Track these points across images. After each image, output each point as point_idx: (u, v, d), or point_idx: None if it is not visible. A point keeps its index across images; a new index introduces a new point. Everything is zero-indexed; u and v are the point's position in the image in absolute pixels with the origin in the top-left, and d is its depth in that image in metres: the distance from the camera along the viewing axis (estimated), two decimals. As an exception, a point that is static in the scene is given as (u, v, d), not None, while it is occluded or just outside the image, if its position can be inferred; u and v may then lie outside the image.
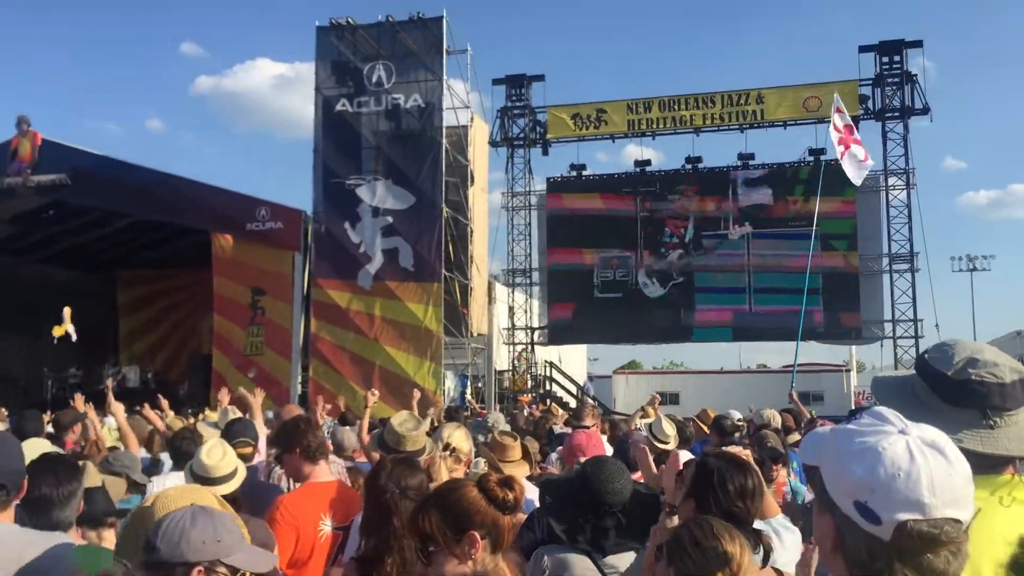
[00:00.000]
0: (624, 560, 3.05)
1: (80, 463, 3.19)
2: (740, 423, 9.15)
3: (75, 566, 2.60)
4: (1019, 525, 1.52)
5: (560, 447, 6.20)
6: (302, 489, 4.09)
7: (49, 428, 7.00)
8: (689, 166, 27.63)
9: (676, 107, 27.40)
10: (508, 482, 2.27)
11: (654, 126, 27.53)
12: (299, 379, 21.06)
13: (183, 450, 5.32)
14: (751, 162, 27.13)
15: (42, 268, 26.94)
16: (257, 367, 20.87)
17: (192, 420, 8.59)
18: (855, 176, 15.92)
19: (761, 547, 2.50)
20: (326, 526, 3.84)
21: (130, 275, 29.99)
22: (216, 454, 3.77)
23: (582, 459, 4.30)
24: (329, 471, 4.29)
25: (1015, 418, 1.64)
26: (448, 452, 3.85)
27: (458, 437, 3.96)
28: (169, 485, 5.13)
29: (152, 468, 5.62)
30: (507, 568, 2.22)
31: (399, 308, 20.95)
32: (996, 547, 1.43)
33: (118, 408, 5.69)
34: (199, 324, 26.93)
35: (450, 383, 22.68)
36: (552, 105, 28.31)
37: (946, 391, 1.66)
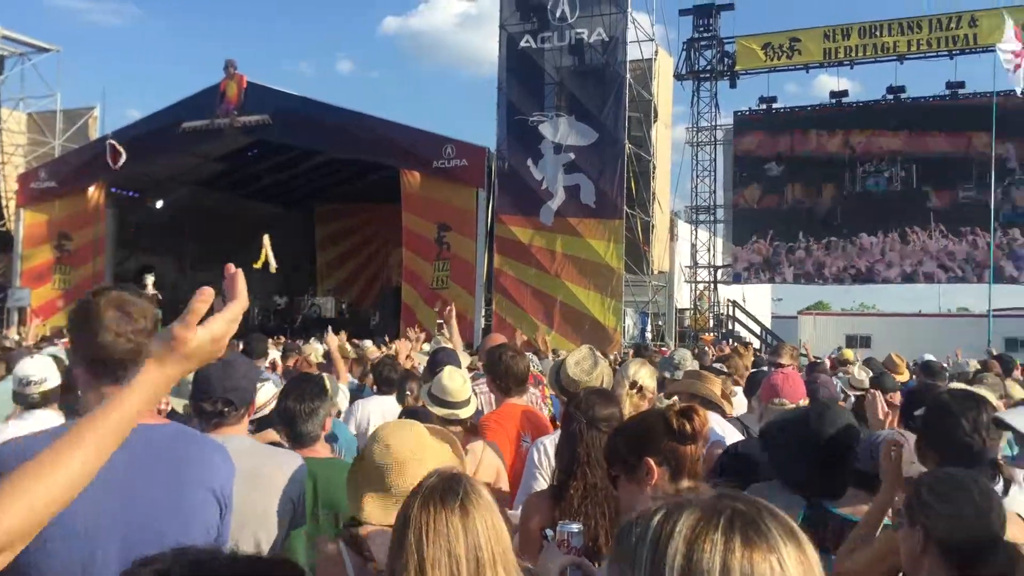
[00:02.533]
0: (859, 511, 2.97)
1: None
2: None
3: (306, 481, 2.83)
4: None
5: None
6: (502, 408, 4.34)
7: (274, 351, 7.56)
8: (891, 96, 25.94)
9: (878, 33, 25.67)
10: (688, 412, 2.29)
11: (852, 54, 25.92)
12: (483, 313, 21.60)
13: (385, 376, 5.65)
14: (961, 91, 25.16)
15: (248, 204, 28.86)
16: (443, 300, 21.58)
17: (385, 349, 9.05)
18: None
19: (1001, 479, 2.39)
20: (526, 441, 4.04)
21: (326, 210, 31.62)
22: (457, 379, 3.95)
23: (776, 400, 4.20)
24: (524, 398, 4.49)
25: None
26: (635, 390, 3.86)
27: (644, 374, 3.96)
28: (371, 408, 5.49)
29: (357, 392, 5.98)
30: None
31: (580, 244, 21.01)
32: None
33: (334, 342, 6.09)
34: (389, 258, 28.15)
35: (630, 320, 22.64)
36: (742, 35, 27.19)
37: None
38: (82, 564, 1.91)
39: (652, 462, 2.23)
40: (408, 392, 5.22)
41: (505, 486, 3.66)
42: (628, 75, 21.14)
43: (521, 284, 21.38)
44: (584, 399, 2.98)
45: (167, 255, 29.38)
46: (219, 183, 27.83)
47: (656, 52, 23.20)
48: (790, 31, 26.76)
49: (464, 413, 3.85)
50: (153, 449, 2.01)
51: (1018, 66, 15.63)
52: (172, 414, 3.99)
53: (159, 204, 26.60)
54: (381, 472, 2.33)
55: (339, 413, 5.27)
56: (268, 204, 29.40)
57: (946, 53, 25.12)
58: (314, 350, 8.36)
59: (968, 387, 3.34)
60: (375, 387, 5.82)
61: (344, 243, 31.58)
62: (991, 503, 2.08)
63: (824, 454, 2.97)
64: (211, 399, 2.82)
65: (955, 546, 2.04)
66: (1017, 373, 8.83)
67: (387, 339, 11.00)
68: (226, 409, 2.83)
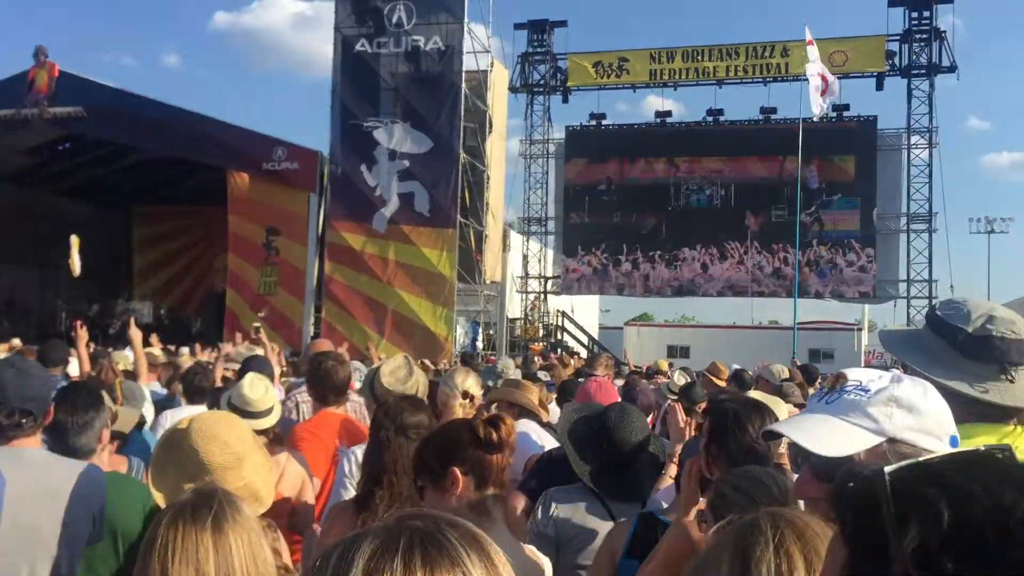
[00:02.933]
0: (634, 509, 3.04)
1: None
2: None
3: (106, 492, 2.63)
4: None
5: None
6: (318, 416, 4.28)
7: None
8: (710, 118, 27.32)
9: (699, 58, 27.00)
10: (494, 421, 2.28)
11: (676, 77, 27.16)
12: (311, 320, 21.14)
13: (196, 385, 5.36)
14: (773, 116, 26.82)
15: (58, 201, 26.99)
16: (269, 307, 20.96)
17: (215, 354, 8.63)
18: (816, 105, 17.32)
19: None
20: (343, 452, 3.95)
21: (146, 211, 30.02)
22: (259, 388, 3.78)
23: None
24: (345, 407, 4.40)
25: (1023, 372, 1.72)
26: (468, 399, 3.87)
27: (472, 383, 3.97)
28: (181, 418, 5.19)
29: (167, 402, 5.66)
30: (498, 505, 2.24)
31: (413, 253, 20.92)
32: None
33: (137, 336, 5.71)
34: (214, 262, 27.04)
35: (462, 329, 22.74)
36: (574, 52, 27.94)
37: (965, 346, 1.71)
38: None
39: (457, 471, 2.20)
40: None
41: (310, 499, 3.54)
42: (464, 85, 21.26)
43: (352, 291, 21.07)
44: (393, 406, 2.93)
45: (-36, 253, 27.12)
46: (27, 178, 25.91)
47: (492, 64, 23.45)
48: (620, 51, 27.75)
49: (264, 423, 3.69)
50: None
51: (823, 92, 16.90)
52: None
53: (-45, 198, 24.48)
54: (213, 468, 2.20)
55: (142, 424, 4.95)
56: (81, 202, 27.61)
57: (760, 80, 26.73)
58: (124, 358, 7.87)
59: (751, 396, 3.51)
60: (185, 396, 5.52)
61: (164, 246, 30.03)
62: (787, 498, 2.17)
63: (615, 454, 3.07)
64: (6, 410, 2.58)
65: None
66: (819, 382, 9.42)
67: (199, 346, 10.48)
68: (23, 420, 2.60)
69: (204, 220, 27.09)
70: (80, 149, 24.77)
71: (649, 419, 4.43)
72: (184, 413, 5.24)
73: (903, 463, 0.80)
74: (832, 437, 1.33)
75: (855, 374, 1.43)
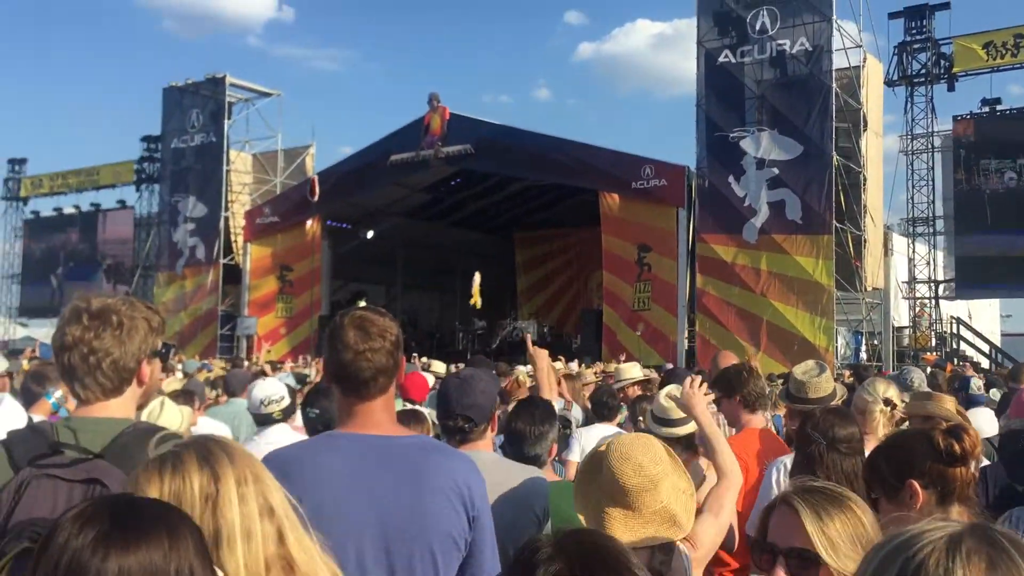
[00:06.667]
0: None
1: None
2: None
3: (549, 499, 2.85)
4: None
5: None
6: (744, 433, 4.30)
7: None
8: None
9: (1120, 22, 23.30)
10: (956, 431, 2.14)
11: (1089, 47, 23.65)
12: (685, 334, 21.25)
13: (605, 403, 5.70)
14: None
15: (451, 232, 29.89)
16: (645, 322, 21.43)
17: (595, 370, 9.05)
18: None
19: None
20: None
21: (526, 236, 32.21)
22: (671, 401, 3.92)
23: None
24: (764, 420, 4.43)
25: None
26: (889, 408, 3.69)
27: (893, 393, 3.78)
28: (593, 435, 5.52)
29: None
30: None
31: (787, 262, 20.28)
32: None
33: (542, 354, 6.10)
34: (589, 280, 28.27)
35: (843, 340, 21.55)
36: (959, 35, 25.42)
37: None
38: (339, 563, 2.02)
39: (916, 485, 2.09)
40: (639, 418, 5.22)
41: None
42: (834, 84, 20.29)
43: (725, 304, 20.87)
44: (821, 418, 2.84)
45: (376, 283, 30.93)
46: (424, 212, 28.99)
47: (864, 59, 22.14)
48: (1015, 27, 24.77)
49: (683, 431, 3.82)
50: (391, 457, 2.11)
51: None
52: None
53: (369, 234, 28.01)
54: (628, 491, 2.25)
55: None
56: (470, 231, 30.31)
57: None
58: (522, 371, 8.49)
59: None
60: (595, 414, 5.89)
61: (543, 267, 31.99)
62: None
63: None
64: (452, 416, 2.91)
65: None
66: None
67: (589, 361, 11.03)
68: (466, 425, 2.90)
69: (578, 241, 28.46)
70: (469, 183, 27.21)
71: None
72: (595, 432, 5.55)
73: None
74: None
75: None
